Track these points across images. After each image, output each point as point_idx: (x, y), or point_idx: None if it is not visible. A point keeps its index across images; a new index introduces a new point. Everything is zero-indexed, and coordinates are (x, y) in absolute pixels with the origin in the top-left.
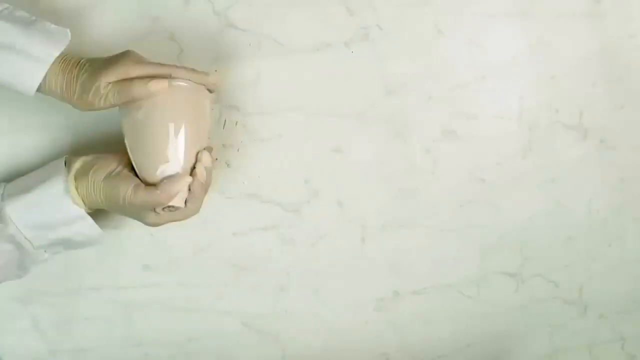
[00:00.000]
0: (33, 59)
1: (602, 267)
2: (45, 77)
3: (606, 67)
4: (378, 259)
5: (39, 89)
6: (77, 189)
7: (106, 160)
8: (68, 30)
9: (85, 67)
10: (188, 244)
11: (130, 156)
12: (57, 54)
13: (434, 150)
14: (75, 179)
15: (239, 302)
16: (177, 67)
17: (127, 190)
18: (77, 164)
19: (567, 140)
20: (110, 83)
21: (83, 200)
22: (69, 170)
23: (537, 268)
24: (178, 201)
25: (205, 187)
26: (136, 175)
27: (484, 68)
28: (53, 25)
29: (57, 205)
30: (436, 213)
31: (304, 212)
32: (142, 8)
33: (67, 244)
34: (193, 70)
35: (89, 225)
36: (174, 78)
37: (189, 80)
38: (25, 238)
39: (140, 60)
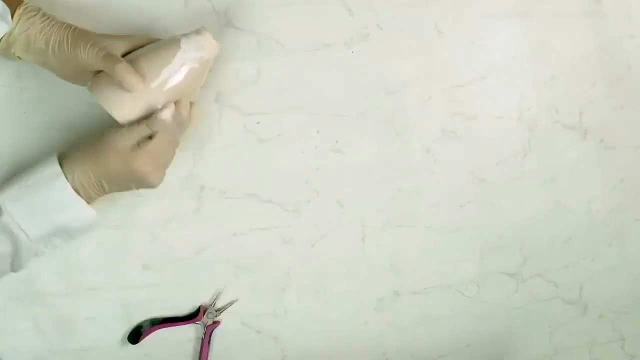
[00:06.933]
0: None
1: (602, 267)
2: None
3: (606, 67)
4: (378, 259)
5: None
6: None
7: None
8: None
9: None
10: (188, 244)
11: None
12: None
13: (434, 150)
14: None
15: (239, 302)
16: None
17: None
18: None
19: (567, 140)
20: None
21: (80, 188)
22: (64, 158)
23: (537, 268)
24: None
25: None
26: None
27: (484, 68)
28: None
29: (50, 187)
30: (436, 213)
31: (304, 212)
32: (142, 8)
33: (65, 233)
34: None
35: (83, 209)
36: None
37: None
38: (20, 228)
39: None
